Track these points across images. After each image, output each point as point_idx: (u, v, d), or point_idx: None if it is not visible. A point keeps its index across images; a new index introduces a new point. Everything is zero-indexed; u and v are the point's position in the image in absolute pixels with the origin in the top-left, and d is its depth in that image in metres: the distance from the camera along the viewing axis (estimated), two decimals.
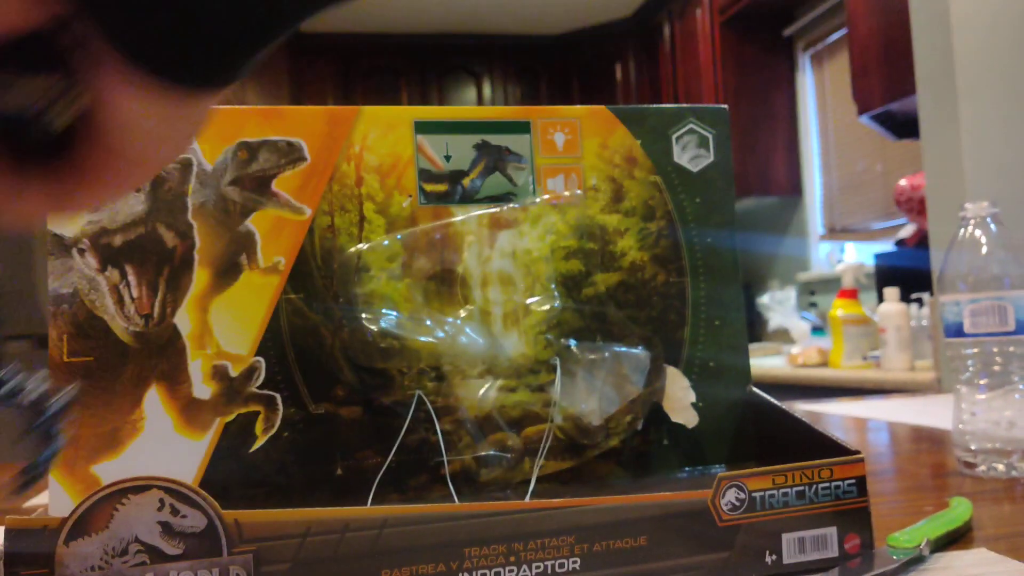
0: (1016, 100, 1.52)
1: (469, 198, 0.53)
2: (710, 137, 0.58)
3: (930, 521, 0.49)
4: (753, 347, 2.93)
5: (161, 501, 0.39)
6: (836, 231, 3.17)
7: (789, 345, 2.83)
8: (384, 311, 0.51)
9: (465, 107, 0.57)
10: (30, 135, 0.22)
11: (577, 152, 0.55)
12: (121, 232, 0.48)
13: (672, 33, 3.69)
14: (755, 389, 0.57)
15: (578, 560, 0.42)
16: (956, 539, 0.50)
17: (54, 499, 0.46)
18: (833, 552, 0.45)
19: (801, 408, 1.30)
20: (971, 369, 0.70)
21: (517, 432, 0.52)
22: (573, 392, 0.53)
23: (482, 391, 0.52)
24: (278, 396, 0.49)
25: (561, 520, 0.42)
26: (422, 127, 0.53)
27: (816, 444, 0.49)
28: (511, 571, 0.41)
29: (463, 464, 0.51)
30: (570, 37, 4.16)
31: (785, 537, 0.44)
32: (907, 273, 2.17)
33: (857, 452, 0.46)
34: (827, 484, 0.45)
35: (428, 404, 0.51)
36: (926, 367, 1.92)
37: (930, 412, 1.16)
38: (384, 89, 4.06)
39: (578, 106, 0.56)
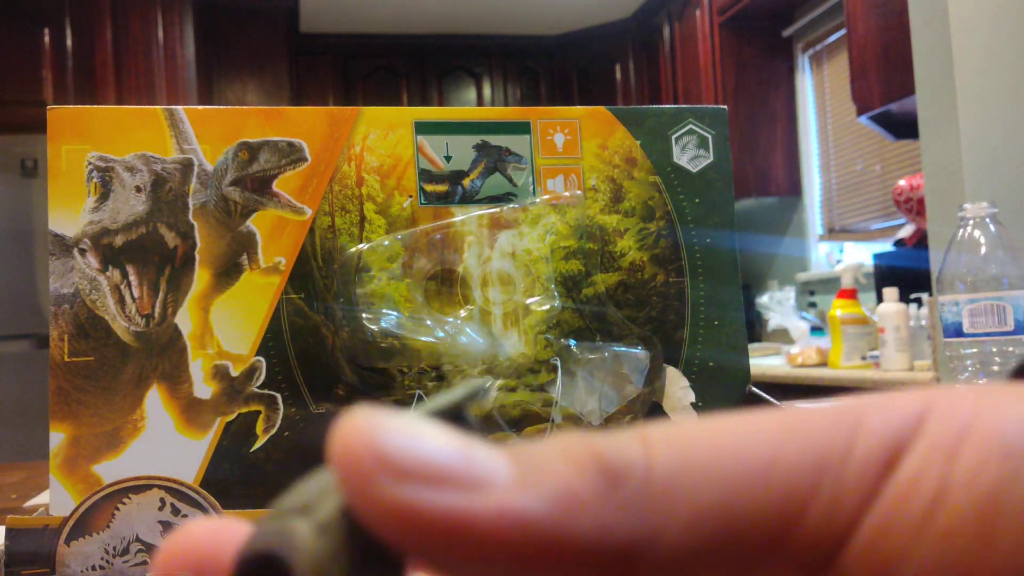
0: (1016, 100, 1.52)
1: (469, 198, 0.54)
2: (709, 138, 0.58)
3: None
4: (752, 347, 2.93)
5: (162, 500, 0.39)
6: (835, 231, 3.17)
7: (788, 345, 2.83)
8: (384, 311, 0.51)
9: (465, 107, 0.57)
10: None
11: (577, 153, 0.55)
12: (122, 232, 0.48)
13: (671, 34, 3.69)
14: (754, 389, 0.57)
15: None
16: None
17: (55, 498, 0.46)
18: None
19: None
20: (970, 369, 0.70)
21: (517, 432, 0.52)
22: (573, 392, 0.53)
23: None
24: (279, 396, 0.49)
25: None
26: (422, 128, 0.53)
27: None
28: None
29: None
30: (570, 37, 4.16)
31: None
32: (906, 273, 2.17)
33: None
34: None
35: None
36: (925, 367, 1.92)
37: None
38: (384, 89, 4.06)
39: (578, 107, 0.56)
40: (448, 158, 0.53)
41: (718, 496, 0.14)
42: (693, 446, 0.14)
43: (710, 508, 0.13)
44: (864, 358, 2.15)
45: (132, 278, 0.48)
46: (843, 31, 2.79)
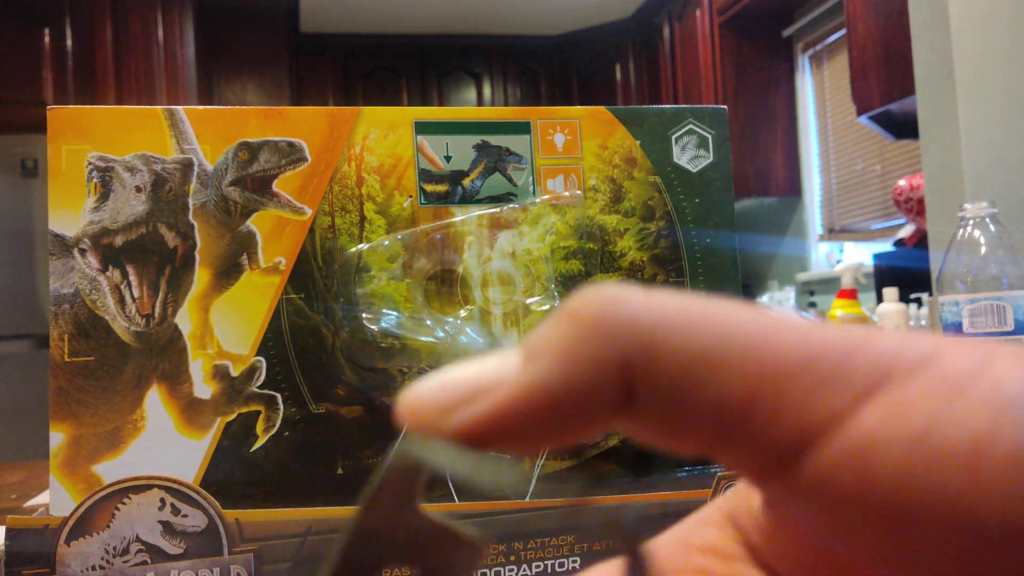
0: (1015, 100, 1.52)
1: (469, 198, 0.54)
2: (709, 138, 0.58)
3: None
4: None
5: (162, 500, 0.39)
6: (835, 231, 3.17)
7: None
8: (384, 311, 0.51)
9: (465, 107, 0.57)
10: None
11: (577, 153, 0.55)
12: (122, 232, 0.48)
13: (672, 34, 3.69)
14: None
15: (578, 559, 0.42)
16: None
17: (55, 498, 0.46)
18: None
19: None
20: None
21: None
22: None
23: None
24: (279, 395, 0.49)
25: (561, 519, 0.42)
26: (422, 127, 0.53)
27: None
28: (511, 570, 0.41)
29: None
30: (570, 37, 4.16)
31: None
32: (906, 273, 2.17)
33: None
34: None
35: None
36: None
37: None
38: (384, 89, 4.06)
39: (578, 107, 0.56)
40: (448, 158, 0.53)
41: (707, 340, 0.15)
42: (696, 300, 0.15)
43: (697, 352, 0.15)
44: None
45: (132, 278, 0.48)
46: (843, 31, 2.79)
